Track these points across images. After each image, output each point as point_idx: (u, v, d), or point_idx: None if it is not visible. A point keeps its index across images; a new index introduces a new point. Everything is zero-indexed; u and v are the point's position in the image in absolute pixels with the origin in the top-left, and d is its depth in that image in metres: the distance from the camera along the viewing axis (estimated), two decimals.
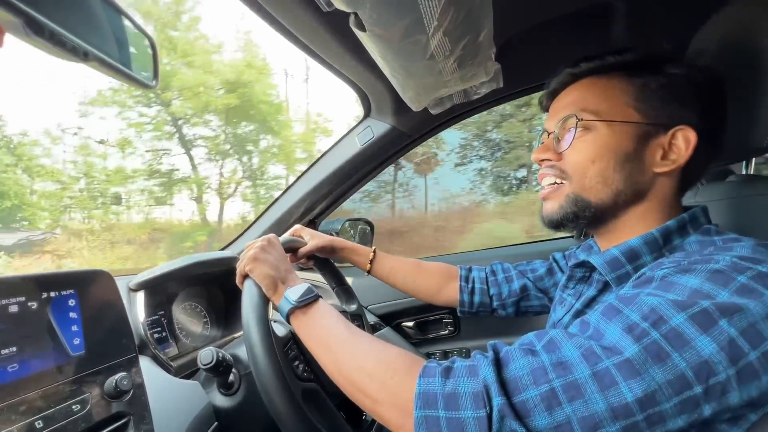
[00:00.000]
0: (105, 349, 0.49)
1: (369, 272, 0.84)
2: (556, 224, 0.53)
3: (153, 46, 0.53)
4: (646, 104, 0.48)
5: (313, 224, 1.26)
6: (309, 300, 0.55)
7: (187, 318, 0.94)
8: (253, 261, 0.59)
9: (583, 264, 0.55)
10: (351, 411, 0.74)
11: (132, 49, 0.48)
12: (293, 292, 0.55)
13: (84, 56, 0.39)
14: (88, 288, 0.49)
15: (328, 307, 0.55)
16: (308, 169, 1.16)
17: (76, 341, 0.46)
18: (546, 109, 0.58)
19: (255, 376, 0.51)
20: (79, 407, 0.44)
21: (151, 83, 0.51)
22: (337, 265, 0.90)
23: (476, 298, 0.79)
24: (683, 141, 0.47)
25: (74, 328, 0.46)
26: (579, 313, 0.54)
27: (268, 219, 1.18)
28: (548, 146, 0.54)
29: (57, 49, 0.36)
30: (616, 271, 0.48)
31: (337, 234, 1.21)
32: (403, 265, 0.84)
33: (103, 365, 0.48)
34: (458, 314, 0.82)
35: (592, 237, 0.61)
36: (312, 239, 0.81)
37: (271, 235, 0.66)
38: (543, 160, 0.54)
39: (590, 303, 0.54)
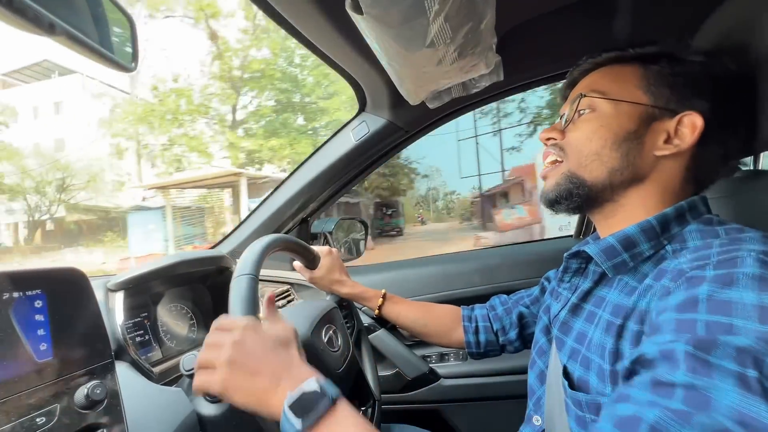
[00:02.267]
0: (76, 354, 0.45)
1: (378, 316, 0.84)
2: (552, 202, 0.53)
3: (132, 26, 0.48)
4: (656, 88, 0.48)
5: (305, 223, 1.22)
6: (321, 413, 0.39)
7: (172, 320, 0.89)
8: (228, 366, 0.44)
9: (578, 254, 0.53)
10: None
11: (109, 28, 0.44)
12: (298, 408, 0.39)
13: (50, 28, 0.35)
14: (59, 288, 0.45)
15: (349, 414, 0.41)
16: (301, 165, 1.12)
17: (43, 346, 0.42)
18: (565, 98, 0.58)
19: None
20: (44, 420, 0.40)
21: (129, 65, 0.47)
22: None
23: (482, 337, 0.78)
24: (689, 127, 0.46)
25: (41, 332, 0.42)
26: (575, 307, 0.52)
27: (259, 217, 1.14)
28: (556, 126, 0.55)
29: (16, 17, 0.32)
30: (612, 259, 0.47)
31: (330, 234, 1.18)
32: (412, 308, 0.85)
33: (73, 372, 0.44)
34: (469, 357, 0.81)
35: (592, 234, 0.59)
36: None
37: (251, 318, 0.49)
38: (548, 139, 0.55)
39: (586, 296, 0.52)
